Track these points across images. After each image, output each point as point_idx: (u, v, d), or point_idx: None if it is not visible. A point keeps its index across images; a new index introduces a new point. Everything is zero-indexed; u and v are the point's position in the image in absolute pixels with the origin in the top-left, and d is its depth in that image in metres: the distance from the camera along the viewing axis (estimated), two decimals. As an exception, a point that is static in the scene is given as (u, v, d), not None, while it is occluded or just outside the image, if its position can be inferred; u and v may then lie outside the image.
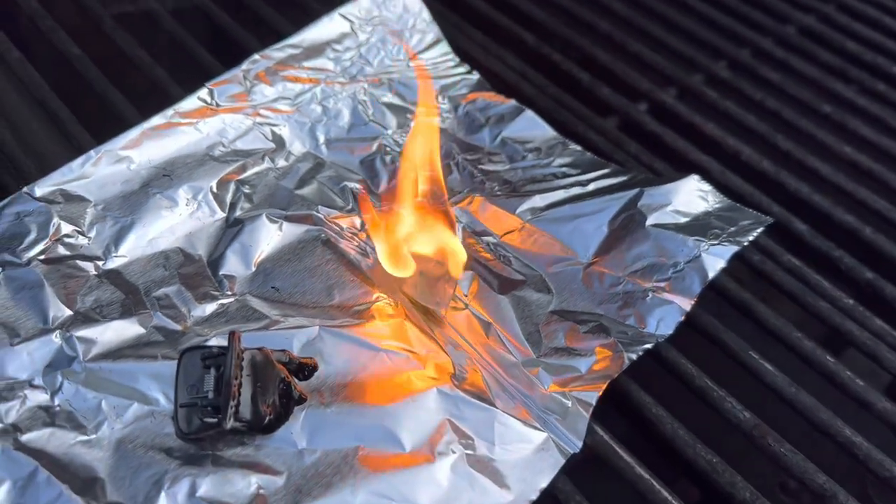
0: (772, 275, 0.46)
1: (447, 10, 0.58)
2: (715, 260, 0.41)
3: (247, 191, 0.44)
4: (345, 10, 0.51)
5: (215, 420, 0.33)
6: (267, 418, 0.35)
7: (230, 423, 0.33)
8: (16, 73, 0.50)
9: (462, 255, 0.42)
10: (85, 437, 0.34)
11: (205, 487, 0.33)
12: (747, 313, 0.44)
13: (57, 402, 0.35)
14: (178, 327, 0.38)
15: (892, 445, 0.39)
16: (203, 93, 0.46)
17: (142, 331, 0.38)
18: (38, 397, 0.35)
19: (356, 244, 0.44)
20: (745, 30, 0.65)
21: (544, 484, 0.35)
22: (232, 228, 0.43)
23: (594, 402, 0.37)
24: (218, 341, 0.37)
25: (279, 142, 0.47)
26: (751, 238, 0.42)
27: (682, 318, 0.40)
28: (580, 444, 0.36)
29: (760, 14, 0.67)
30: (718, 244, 0.42)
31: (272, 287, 0.41)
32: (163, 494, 0.33)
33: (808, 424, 0.40)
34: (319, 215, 0.44)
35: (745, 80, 0.60)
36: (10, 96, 0.51)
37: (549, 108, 0.54)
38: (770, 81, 0.60)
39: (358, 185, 0.46)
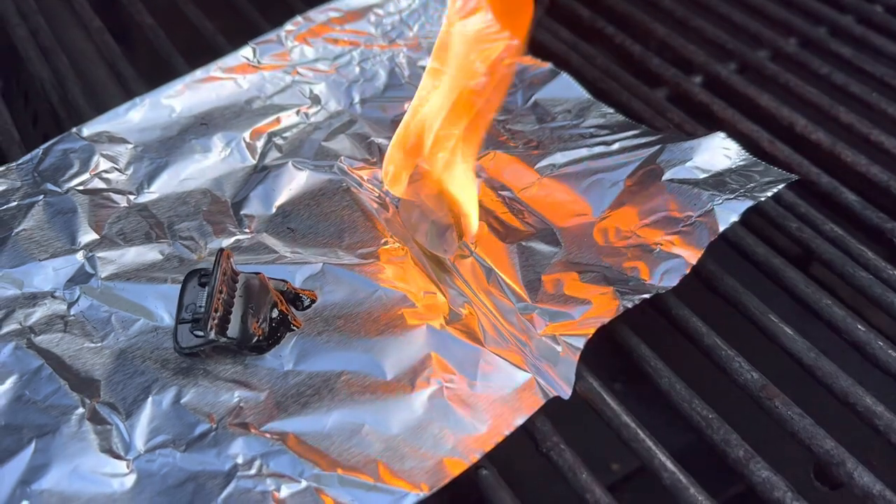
0: (809, 242, 0.44)
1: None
2: (727, 214, 0.39)
3: (278, 142, 0.47)
4: (388, -25, 0.53)
5: (202, 334, 0.35)
6: (255, 338, 0.36)
7: (212, 334, 0.35)
8: (94, 39, 0.56)
9: (474, 224, 0.42)
10: (91, 345, 0.37)
11: (189, 396, 0.35)
12: (775, 279, 0.42)
13: (72, 312, 0.38)
14: (194, 256, 0.41)
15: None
16: (246, 50, 0.49)
17: (159, 257, 0.40)
18: (57, 307, 0.38)
19: (376, 195, 0.45)
20: (825, 8, 0.62)
21: (520, 421, 0.34)
22: (259, 174, 0.45)
23: (582, 347, 0.36)
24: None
25: (315, 99, 0.49)
26: (769, 194, 0.40)
27: (688, 270, 0.38)
28: (569, 390, 0.36)
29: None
30: (734, 198, 0.40)
31: (288, 228, 0.43)
32: (150, 399, 0.35)
33: (828, 392, 0.37)
34: (343, 165, 0.46)
35: (814, 56, 0.57)
36: (89, 57, 0.56)
37: (594, 77, 0.54)
38: (841, 56, 0.57)
39: (385, 141, 0.47)
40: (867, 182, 0.48)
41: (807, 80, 0.55)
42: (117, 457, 0.33)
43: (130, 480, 0.32)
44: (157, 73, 0.49)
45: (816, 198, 0.47)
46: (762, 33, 0.59)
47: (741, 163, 0.42)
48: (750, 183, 0.41)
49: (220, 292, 0.35)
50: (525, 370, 0.36)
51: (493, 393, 0.35)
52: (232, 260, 0.37)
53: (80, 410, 0.34)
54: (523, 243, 0.42)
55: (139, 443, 0.33)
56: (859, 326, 0.39)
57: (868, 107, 0.53)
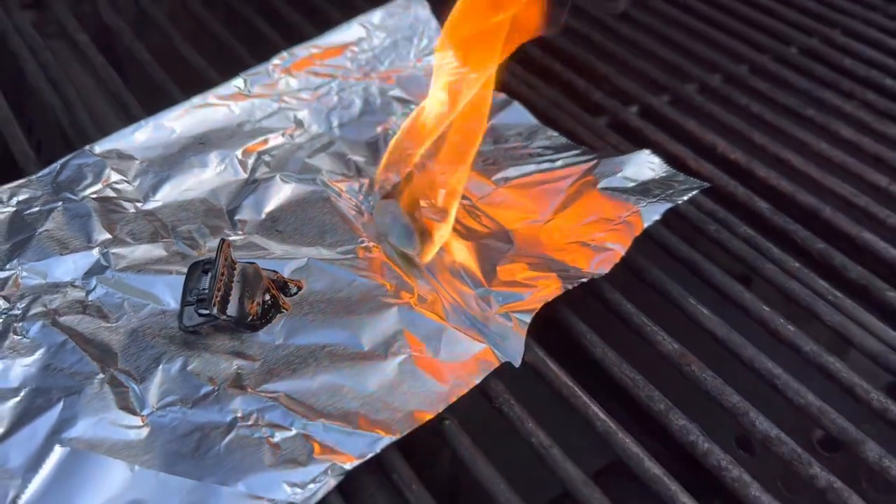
0: (726, 242, 0.51)
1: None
2: (651, 214, 0.46)
3: (266, 159, 0.53)
4: (362, 18, 0.60)
5: (207, 311, 0.41)
6: (250, 317, 0.42)
7: (215, 310, 0.41)
8: (99, 73, 0.62)
9: (447, 228, 0.48)
10: (108, 324, 0.42)
11: (194, 365, 0.41)
12: (695, 271, 0.49)
13: (90, 298, 0.43)
14: (194, 253, 0.47)
15: (811, 380, 0.43)
16: (238, 81, 0.56)
17: (164, 253, 0.46)
18: (77, 294, 0.44)
19: (353, 204, 0.52)
20: (745, 48, 0.70)
21: (477, 380, 0.41)
22: (250, 186, 0.51)
23: (529, 321, 0.43)
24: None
25: (299, 123, 0.56)
26: (686, 198, 0.47)
27: (618, 259, 0.45)
28: (519, 359, 0.42)
29: (765, 36, 0.72)
30: (656, 202, 0.47)
31: (276, 230, 0.49)
32: (160, 367, 0.40)
33: (738, 360, 0.44)
34: (324, 178, 0.52)
35: (735, 90, 0.65)
36: (90, 88, 0.62)
37: (543, 107, 0.61)
38: (759, 90, 0.65)
39: (360, 159, 0.54)
40: (777, 193, 0.55)
41: (728, 110, 0.63)
42: (133, 413, 0.38)
43: (145, 432, 0.38)
44: (156, 104, 0.55)
45: (733, 206, 0.54)
46: (691, 70, 0.68)
47: (663, 174, 0.50)
48: (669, 190, 0.48)
49: (222, 275, 0.42)
50: (481, 342, 0.43)
51: (454, 360, 0.42)
52: (231, 249, 0.43)
53: (101, 376, 0.40)
54: (482, 241, 0.48)
55: (152, 401, 0.39)
56: (764, 307, 0.46)
57: (780, 131, 0.61)
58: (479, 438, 0.39)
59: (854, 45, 0.71)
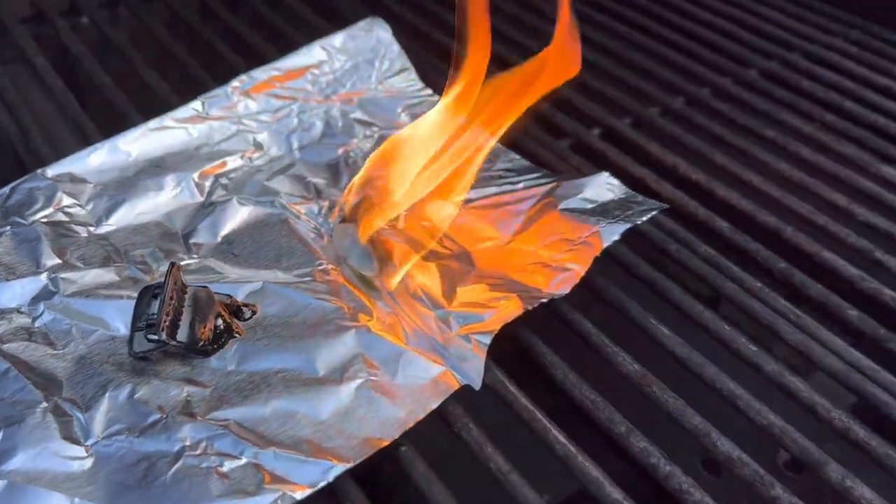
0: (686, 261, 0.51)
1: (421, 48, 0.67)
2: (610, 235, 0.46)
3: (223, 182, 0.52)
4: (323, 41, 0.60)
5: (156, 337, 0.40)
6: (201, 342, 0.41)
7: (164, 335, 0.39)
8: (58, 98, 0.61)
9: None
10: (54, 351, 0.41)
11: (142, 392, 0.40)
12: (656, 290, 0.49)
13: (37, 324, 0.42)
14: (147, 277, 0.46)
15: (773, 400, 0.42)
16: (196, 104, 0.55)
17: (116, 278, 0.45)
18: (23, 320, 0.42)
19: (312, 226, 0.51)
20: (706, 72, 0.71)
21: (435, 405, 0.40)
22: (206, 209, 0.50)
23: (489, 343, 0.42)
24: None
25: (258, 146, 0.55)
26: (645, 218, 0.47)
27: (578, 279, 0.45)
28: (479, 381, 0.41)
29: (725, 59, 0.73)
30: (615, 222, 0.47)
31: (232, 253, 0.48)
32: (107, 395, 0.39)
33: (700, 380, 0.44)
34: (283, 201, 0.52)
35: (697, 112, 0.66)
36: (49, 113, 0.61)
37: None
38: (720, 112, 0.66)
39: (321, 181, 0.54)
40: (737, 212, 0.56)
41: (690, 132, 0.63)
42: (77, 443, 0.37)
43: (89, 462, 0.36)
44: (116, 129, 0.54)
45: (694, 226, 0.54)
46: (654, 94, 0.68)
47: (622, 196, 0.50)
48: (629, 211, 0.48)
49: (171, 299, 0.40)
50: (440, 365, 0.42)
51: (411, 384, 0.41)
52: (181, 273, 0.42)
53: (44, 405, 0.38)
54: (442, 262, 0.48)
55: (98, 430, 0.38)
56: (725, 326, 0.46)
57: (741, 152, 0.61)
58: (436, 464, 0.38)
59: (814, 69, 0.72)
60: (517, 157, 0.56)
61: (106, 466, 0.36)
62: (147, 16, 0.72)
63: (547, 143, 0.61)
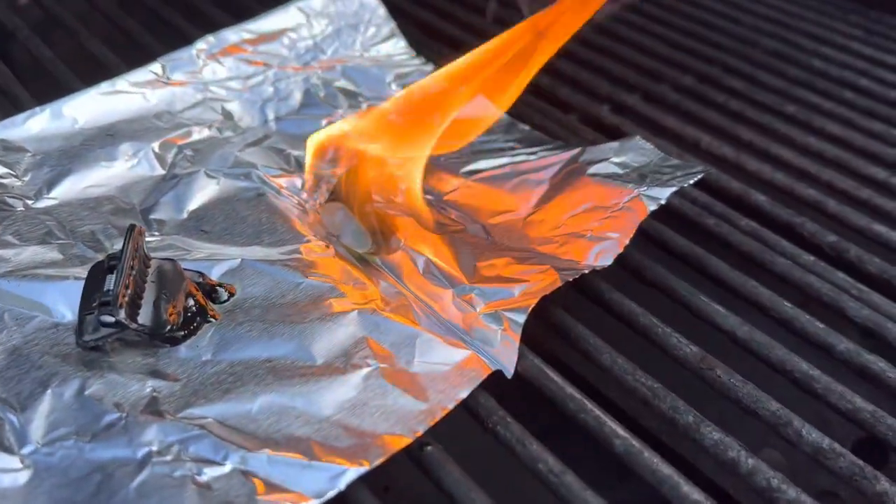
0: (728, 235, 0.44)
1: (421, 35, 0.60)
2: (653, 199, 0.39)
3: (189, 153, 0.45)
4: (301, 3, 0.53)
5: (112, 318, 0.32)
6: (169, 326, 0.33)
7: (122, 314, 0.31)
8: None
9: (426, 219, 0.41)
10: (-20, 342, 0.33)
11: (94, 388, 0.31)
12: (699, 267, 0.42)
13: (-41, 311, 0.34)
14: (99, 256, 0.37)
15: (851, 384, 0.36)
16: (155, 66, 0.48)
17: (59, 256, 0.37)
18: (-59, 306, 0.34)
19: (296, 202, 0.43)
20: (712, 51, 0.66)
21: (464, 395, 0.32)
22: (169, 182, 0.43)
23: (523, 322, 0.35)
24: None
25: (227, 115, 0.48)
26: (691, 182, 0.41)
27: (621, 249, 0.38)
28: (511, 369, 0.34)
29: (728, 39, 0.68)
30: (657, 186, 0.40)
31: (202, 230, 0.40)
32: (48, 392, 0.31)
33: (764, 364, 0.37)
34: (259, 173, 0.44)
35: (709, 88, 0.60)
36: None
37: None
38: (735, 89, 0.60)
39: (303, 154, 0.46)
40: (773, 186, 0.50)
41: (707, 108, 0.58)
42: (10, 451, 0.29)
43: (25, 476, 0.28)
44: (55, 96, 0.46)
45: (729, 200, 0.48)
46: (662, 70, 0.62)
47: (657, 160, 0.43)
48: (667, 175, 0.42)
49: (132, 268, 0.32)
50: (464, 349, 0.34)
51: (432, 371, 0.33)
52: (143, 238, 0.34)
53: (-35, 406, 0.30)
54: (456, 235, 0.41)
55: (36, 436, 0.29)
56: (786, 304, 0.40)
57: (763, 127, 0.56)
58: (469, 467, 0.31)
59: (821, 49, 0.67)
60: (528, 128, 0.49)
61: (48, 480, 0.28)
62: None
63: (554, 116, 0.54)
